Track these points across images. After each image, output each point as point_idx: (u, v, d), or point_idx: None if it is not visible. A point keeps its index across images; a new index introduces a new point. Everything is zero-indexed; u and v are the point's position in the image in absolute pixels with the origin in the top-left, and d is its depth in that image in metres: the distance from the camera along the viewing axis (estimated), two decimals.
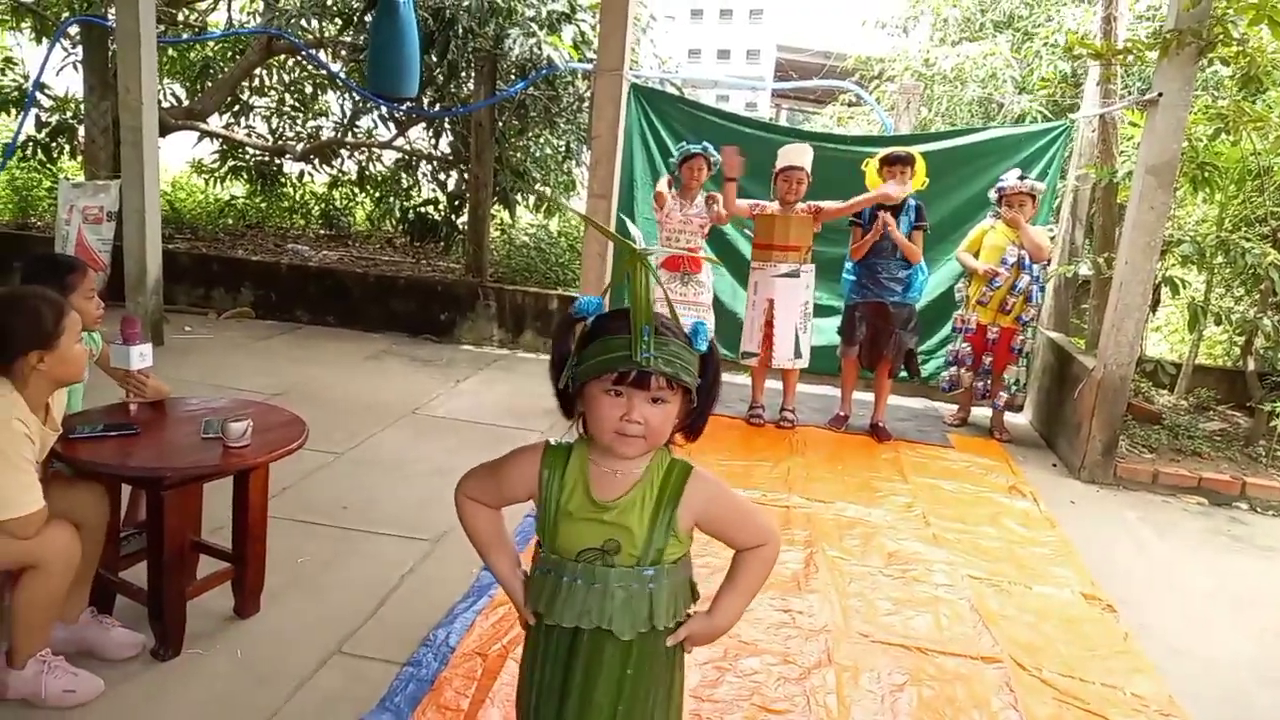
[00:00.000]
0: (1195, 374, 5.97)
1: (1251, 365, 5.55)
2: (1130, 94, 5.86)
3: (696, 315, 5.42)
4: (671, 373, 1.43)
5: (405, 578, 3.17)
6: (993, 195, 5.37)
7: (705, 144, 5.35)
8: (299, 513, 3.58)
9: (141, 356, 2.71)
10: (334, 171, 9.29)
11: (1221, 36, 4.53)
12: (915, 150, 5.36)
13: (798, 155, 5.18)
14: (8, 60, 8.69)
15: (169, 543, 2.47)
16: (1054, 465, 5.24)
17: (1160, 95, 4.61)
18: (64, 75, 8.07)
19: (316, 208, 9.61)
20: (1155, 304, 5.55)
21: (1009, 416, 5.81)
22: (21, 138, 7.80)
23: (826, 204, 5.23)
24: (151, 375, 2.80)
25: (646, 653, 1.56)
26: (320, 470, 4.07)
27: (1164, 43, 4.56)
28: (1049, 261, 5.62)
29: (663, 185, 5.43)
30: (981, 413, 5.82)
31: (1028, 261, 5.17)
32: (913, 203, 5.20)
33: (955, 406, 5.91)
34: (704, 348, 1.51)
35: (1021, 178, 5.23)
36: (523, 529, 3.46)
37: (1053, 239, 5.39)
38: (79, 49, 7.44)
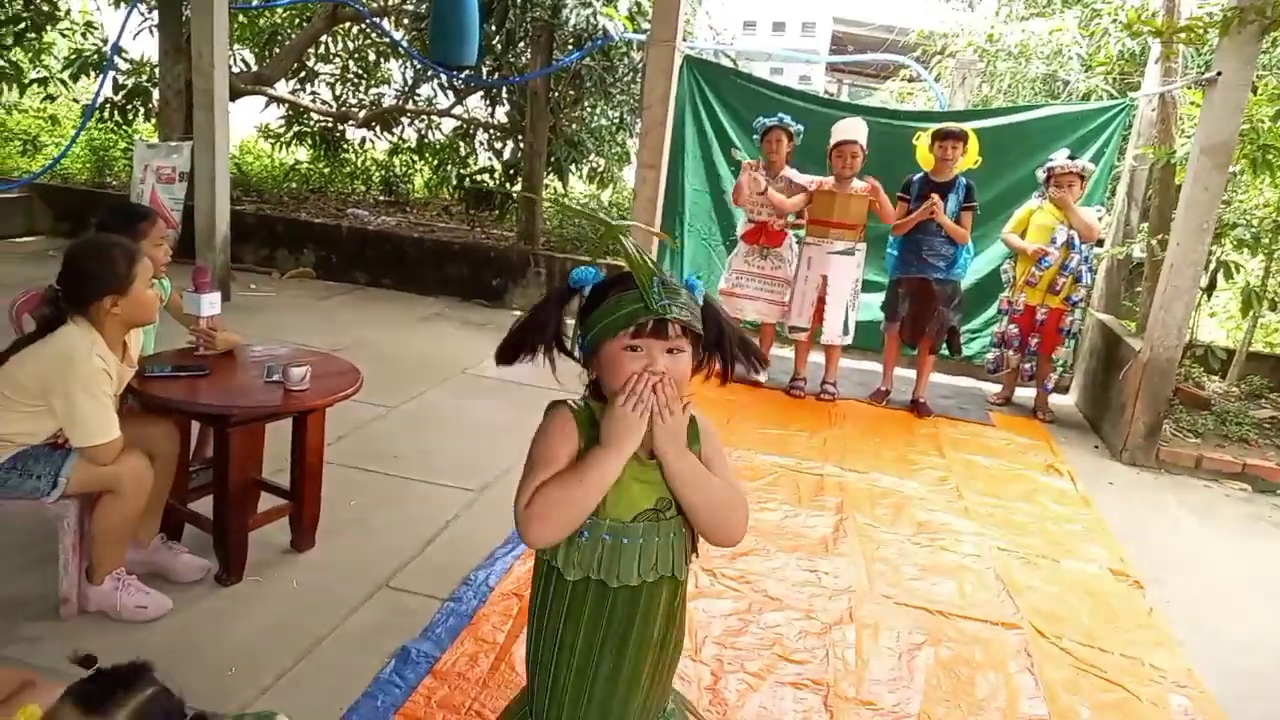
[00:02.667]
0: (1249, 360, 5.86)
1: None
2: (1194, 73, 5.72)
3: (772, 290, 5.50)
4: (688, 318, 1.46)
5: (450, 523, 3.35)
6: (1040, 174, 5.32)
7: (781, 116, 5.38)
8: (353, 460, 3.77)
9: (211, 304, 2.90)
10: (394, 139, 9.51)
11: None
12: (969, 127, 5.35)
13: (851, 130, 5.19)
14: (89, 25, 9.04)
15: (233, 477, 2.67)
16: (1096, 447, 5.22)
17: (1219, 74, 4.53)
18: (140, 40, 8.39)
19: (377, 174, 9.84)
20: (1210, 288, 5.47)
21: (1054, 398, 5.78)
22: (99, 100, 8.14)
23: (885, 198, 5.22)
24: (222, 327, 2.99)
25: (682, 580, 1.63)
26: (374, 422, 4.27)
27: (1225, 21, 4.47)
28: (1099, 242, 5.56)
29: (743, 178, 5.39)
30: (1025, 393, 5.81)
31: (1077, 241, 5.13)
32: (963, 181, 5.18)
33: (999, 386, 5.90)
34: (701, 300, 1.53)
35: (1071, 157, 5.18)
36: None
37: (1101, 219, 5.33)
38: (154, 14, 7.72)
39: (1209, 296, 5.67)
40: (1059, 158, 5.20)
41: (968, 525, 3.87)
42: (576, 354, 1.54)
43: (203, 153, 6.09)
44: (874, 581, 3.27)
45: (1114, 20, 7.87)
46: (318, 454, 2.92)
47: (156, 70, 7.91)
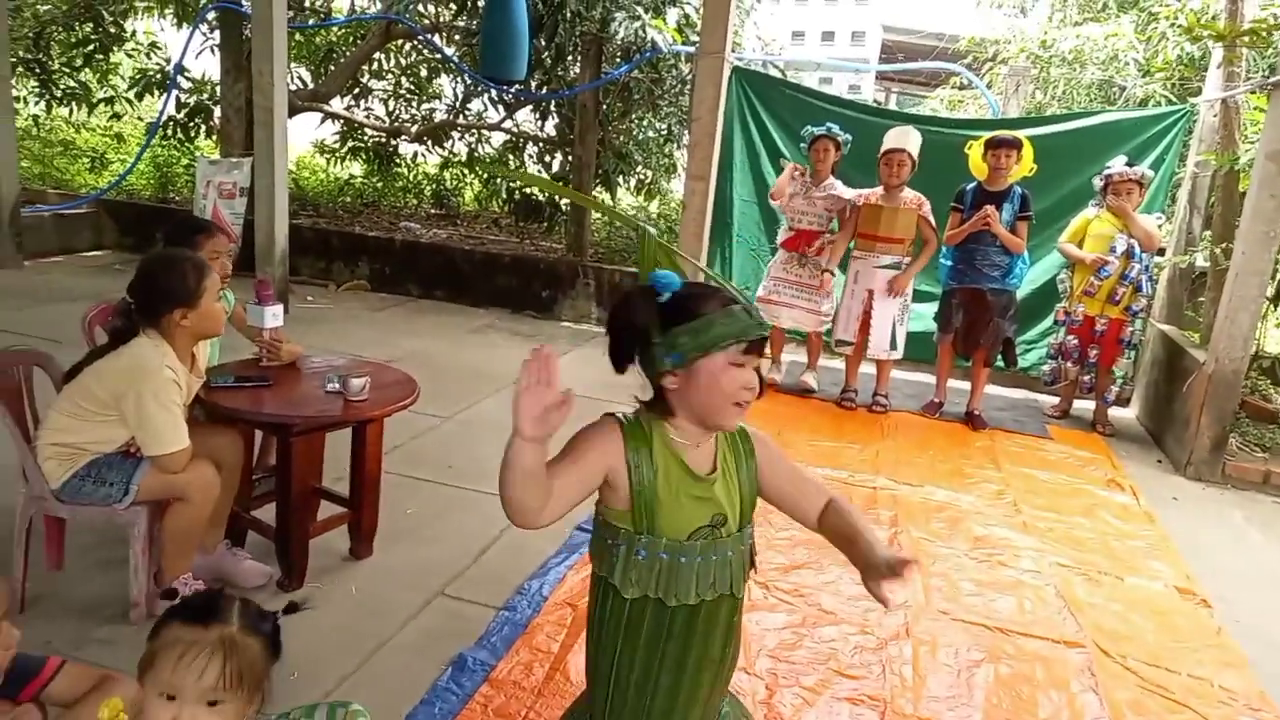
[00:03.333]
0: None
1: None
2: (1258, 77, 5.58)
3: (810, 299, 5.47)
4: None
5: (504, 532, 3.37)
6: (1097, 183, 5.21)
7: (830, 125, 5.37)
8: (408, 469, 3.83)
9: (274, 316, 2.97)
10: (445, 153, 9.65)
11: None
12: (1023, 134, 5.27)
13: (900, 138, 5.14)
14: (153, 45, 9.35)
15: (295, 486, 2.73)
16: (1159, 461, 5.09)
17: None
18: (202, 59, 8.66)
19: (428, 187, 10.01)
20: (1277, 297, 5.31)
21: (1114, 411, 5.65)
22: (163, 118, 8.41)
23: (929, 218, 5.19)
24: (285, 339, 3.06)
25: (741, 597, 1.65)
26: (428, 432, 4.33)
27: None
28: (1160, 250, 5.43)
29: (784, 176, 5.45)
30: (1083, 405, 5.68)
31: (1137, 250, 5.02)
32: (1018, 191, 5.10)
33: (1055, 398, 5.78)
34: None
35: (1129, 164, 5.07)
36: (572, 541, 3.34)
37: (1161, 227, 5.20)
38: (216, 34, 7.96)
39: (1276, 306, 5.49)
40: (1116, 165, 5.09)
41: (1026, 540, 3.79)
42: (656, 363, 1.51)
43: (262, 168, 6.25)
44: (930, 596, 3.22)
45: (1172, 24, 7.69)
46: (376, 463, 2.97)
47: (218, 88, 8.15)
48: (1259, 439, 5.13)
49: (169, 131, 8.61)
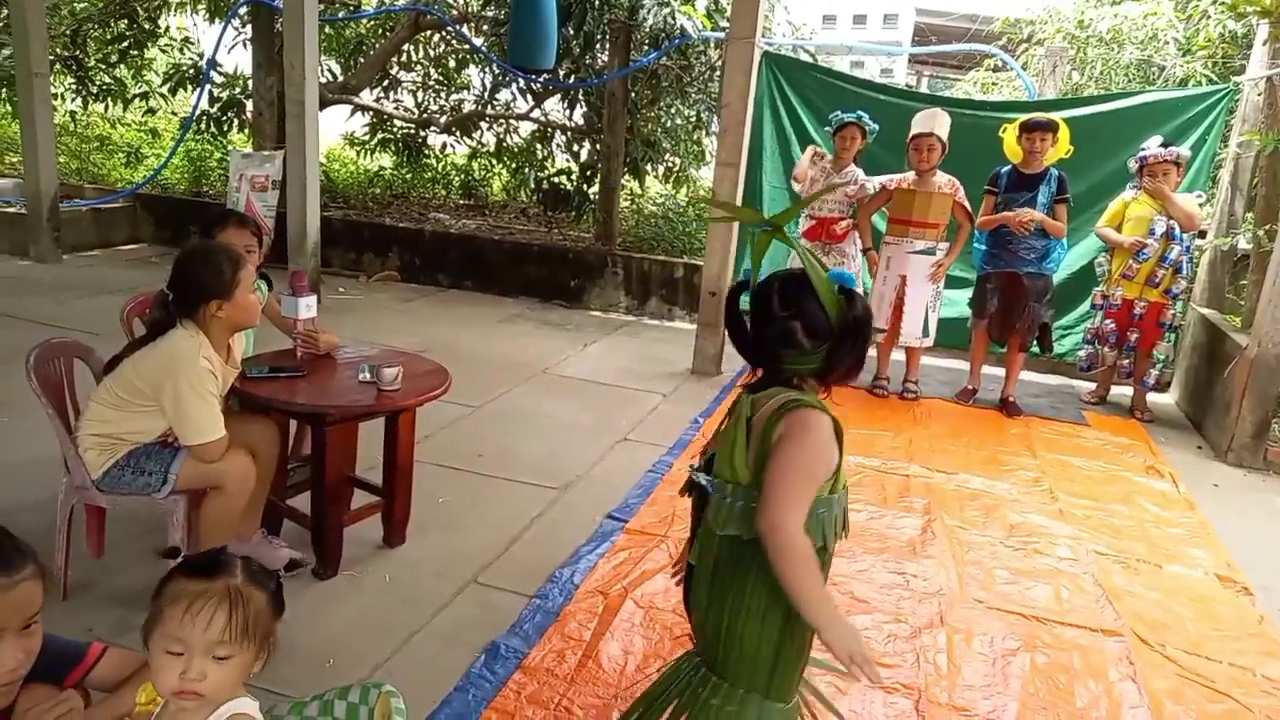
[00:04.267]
0: None
1: None
2: None
3: None
4: None
5: (535, 521, 3.39)
6: (1133, 165, 5.10)
7: (860, 113, 5.31)
8: (440, 458, 3.86)
9: (308, 307, 3.00)
10: (473, 144, 9.68)
11: None
12: (1059, 116, 5.17)
13: (928, 121, 5.06)
14: (186, 41, 9.47)
15: (329, 475, 2.76)
16: (1199, 448, 4.99)
17: None
18: (234, 54, 8.74)
19: (457, 178, 10.04)
20: None
21: (1153, 396, 5.55)
22: (197, 112, 8.51)
23: (964, 203, 5.12)
24: (321, 329, 3.09)
25: None
26: (459, 421, 4.36)
27: None
28: (1201, 232, 5.31)
29: (805, 159, 5.44)
30: (1121, 391, 5.59)
31: (1177, 231, 4.91)
32: (1054, 173, 5.00)
33: (1092, 384, 5.69)
34: None
35: (1165, 145, 4.95)
36: (603, 529, 3.36)
37: (1202, 206, 5.07)
38: (248, 28, 8.03)
39: None
40: (1151, 145, 4.98)
41: (1063, 528, 3.74)
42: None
43: (294, 161, 6.30)
44: (965, 585, 3.18)
45: (1215, 1, 7.50)
46: (409, 452, 2.99)
47: (249, 83, 8.23)
48: None
49: (202, 126, 8.72)
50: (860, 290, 1.88)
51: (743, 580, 1.68)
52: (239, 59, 8.85)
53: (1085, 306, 5.76)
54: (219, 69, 8.64)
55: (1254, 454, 4.69)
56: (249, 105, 8.41)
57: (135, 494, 2.51)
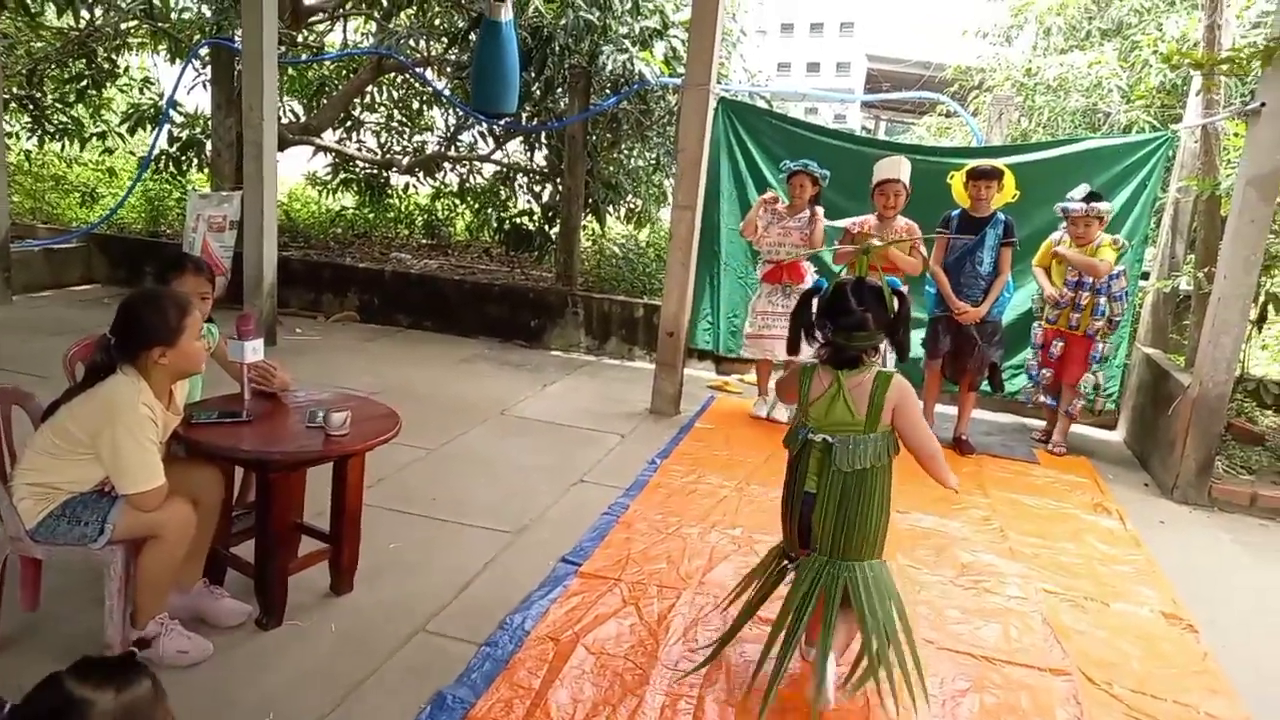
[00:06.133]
0: None
1: None
2: (1237, 104, 5.65)
3: None
4: None
5: (487, 565, 3.36)
6: (1058, 211, 5.26)
7: (806, 161, 5.43)
8: (392, 502, 3.82)
9: (254, 351, 2.97)
10: (436, 184, 9.72)
11: None
12: (1006, 163, 5.32)
13: (894, 168, 5.18)
14: (145, 80, 9.44)
15: (274, 522, 2.72)
16: (1145, 485, 5.09)
17: (1264, 105, 4.47)
18: (194, 94, 8.73)
19: (419, 218, 10.06)
20: (1261, 321, 5.34)
21: (1100, 434, 5.67)
22: (155, 152, 8.46)
23: (921, 248, 5.23)
24: (281, 368, 3.07)
25: None
26: (414, 464, 4.33)
27: (1267, 51, 4.42)
28: (1144, 275, 5.47)
29: (753, 211, 5.55)
30: (1074, 431, 5.70)
31: (1087, 281, 5.09)
32: (1001, 218, 5.14)
33: (1044, 422, 5.80)
34: None
35: (1091, 195, 5.10)
36: (556, 573, 3.38)
37: (1120, 247, 5.23)
38: (208, 69, 8.03)
39: (1259, 330, 5.52)
40: (1076, 195, 5.13)
41: (1013, 567, 3.78)
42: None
43: (251, 202, 6.29)
44: (916, 625, 3.19)
45: (1154, 52, 7.81)
46: (357, 498, 2.96)
47: (209, 123, 8.21)
48: (1245, 461, 5.13)
49: (160, 165, 8.66)
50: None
51: (870, 490, 2.56)
52: (199, 99, 8.83)
53: None
54: (179, 109, 8.62)
55: (1198, 491, 4.79)
56: (208, 145, 8.38)
57: (71, 544, 2.46)
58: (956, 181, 5.25)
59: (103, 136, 9.43)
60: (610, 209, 8.69)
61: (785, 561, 2.79)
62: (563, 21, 7.21)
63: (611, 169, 8.41)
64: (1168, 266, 5.94)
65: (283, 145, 8.21)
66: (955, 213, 5.25)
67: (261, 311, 6.30)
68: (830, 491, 2.55)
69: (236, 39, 7.32)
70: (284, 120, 9.12)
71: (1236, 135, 5.41)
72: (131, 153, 10.31)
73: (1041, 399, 5.54)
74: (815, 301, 2.66)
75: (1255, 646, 3.32)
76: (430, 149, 9.71)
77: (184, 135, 8.69)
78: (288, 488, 2.80)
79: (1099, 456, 5.49)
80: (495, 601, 3.07)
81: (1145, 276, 6.04)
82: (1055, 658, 3.06)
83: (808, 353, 2.74)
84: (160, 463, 2.44)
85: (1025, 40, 10.77)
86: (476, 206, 9.72)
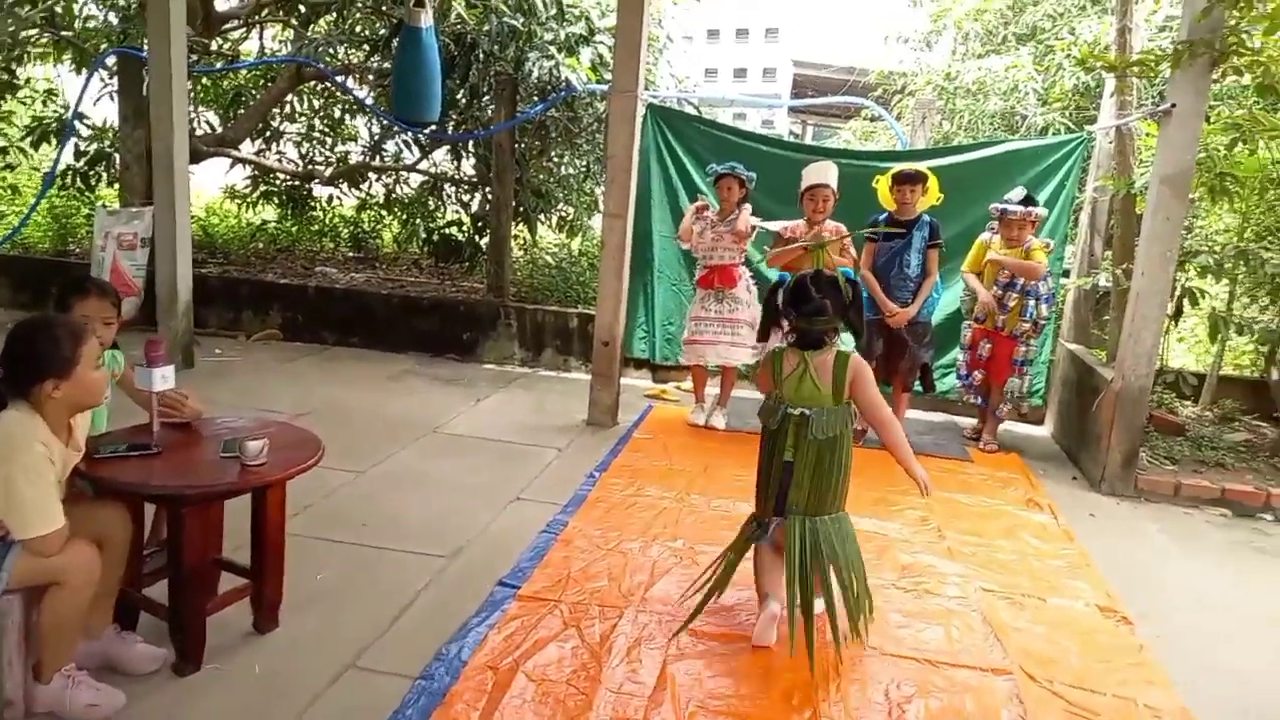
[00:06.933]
0: (1220, 385, 5.90)
1: (1276, 375, 5.48)
2: (1148, 105, 5.83)
3: (732, 333, 5.48)
4: None
5: (421, 593, 3.24)
6: (993, 212, 5.36)
7: (734, 164, 5.43)
8: (320, 530, 3.66)
9: (164, 378, 2.80)
10: (362, 195, 9.48)
11: (1235, 47, 4.51)
12: (929, 166, 5.39)
13: (822, 174, 5.21)
14: (49, 92, 8.99)
15: (188, 560, 2.56)
16: (1074, 478, 5.20)
17: (1174, 106, 4.60)
18: (101, 105, 8.33)
19: (345, 230, 9.80)
20: (1178, 315, 5.51)
21: (1027, 429, 5.78)
22: (61, 166, 8.06)
23: (850, 248, 5.26)
24: (180, 395, 2.90)
25: None
26: (342, 488, 4.17)
27: (1176, 54, 4.55)
28: (1065, 271, 5.60)
29: (687, 218, 5.53)
30: (1004, 427, 5.80)
31: (1018, 282, 5.19)
32: (927, 220, 5.22)
33: (975, 420, 5.90)
34: None
35: (1027, 198, 5.21)
36: (494, 598, 3.46)
37: (1049, 249, 5.36)
38: (115, 79, 7.68)
39: (1176, 323, 5.70)
40: (1014, 197, 5.23)
41: (952, 566, 3.81)
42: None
43: (163, 217, 6.02)
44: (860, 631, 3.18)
45: (1068, 56, 8.04)
46: (279, 530, 2.81)
47: (118, 135, 7.85)
48: (1168, 452, 5.29)
49: (67, 181, 8.25)
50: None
51: (839, 454, 2.99)
52: (107, 111, 8.43)
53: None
54: (85, 121, 8.23)
55: (1125, 483, 4.91)
56: (118, 159, 8.01)
57: None
58: (882, 185, 5.30)
59: (4, 152, 8.95)
60: (541, 218, 8.59)
61: (758, 528, 3.11)
62: (486, 28, 7.09)
63: (541, 177, 8.30)
64: (1087, 264, 6.10)
65: (197, 158, 7.90)
66: (882, 216, 5.30)
67: (176, 333, 6.03)
68: (807, 458, 2.95)
69: (145, 48, 7.01)
70: (198, 131, 8.79)
71: (1149, 135, 5.57)
72: (35, 168, 9.81)
73: (971, 399, 5.63)
74: (781, 293, 3.05)
75: (1187, 635, 3.39)
76: (354, 159, 9.46)
77: (91, 149, 8.28)
78: (203, 522, 2.64)
79: (1029, 452, 5.60)
80: (430, 631, 2.95)
81: (1066, 274, 6.20)
82: (996, 657, 3.08)
83: (774, 343, 3.14)
84: (59, 504, 2.27)
85: (945, 45, 11.02)
86: (404, 217, 9.51)
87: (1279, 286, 5.05)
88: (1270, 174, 5.14)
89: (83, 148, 8.26)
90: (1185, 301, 5.31)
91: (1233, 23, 4.47)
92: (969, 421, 6.00)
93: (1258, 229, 5.27)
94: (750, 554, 3.19)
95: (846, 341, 3.20)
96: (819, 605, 2.98)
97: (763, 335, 3.21)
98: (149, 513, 2.86)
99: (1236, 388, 6.12)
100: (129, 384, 2.95)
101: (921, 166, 5.36)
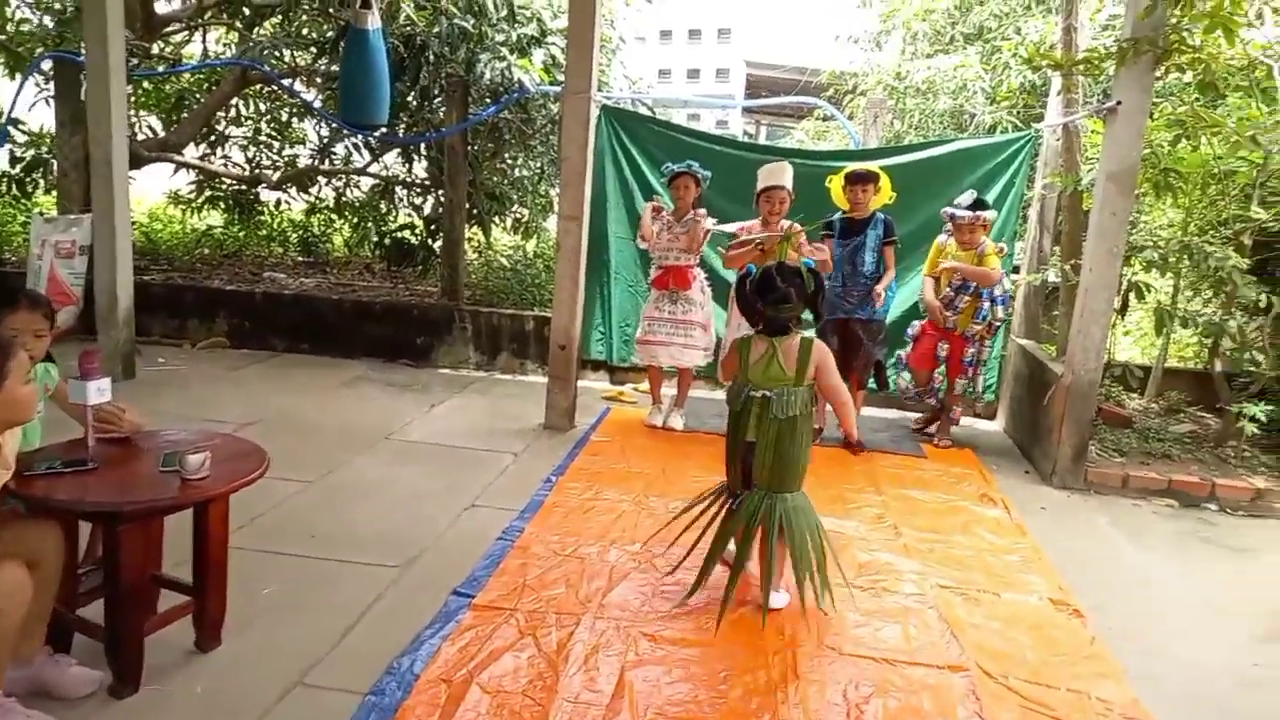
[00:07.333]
0: (1165, 377, 6.02)
1: (1219, 367, 5.60)
2: (1093, 103, 5.93)
3: (685, 334, 5.47)
4: None
5: (372, 605, 3.16)
6: (944, 216, 5.41)
7: (690, 162, 5.42)
8: (267, 543, 3.57)
9: (100, 391, 2.69)
10: (311, 199, 9.31)
11: (1177, 45, 4.60)
12: (881, 165, 5.43)
13: (778, 174, 5.21)
14: None
15: (125, 578, 2.47)
16: (1026, 472, 5.27)
17: (1119, 104, 4.68)
18: (37, 110, 8.08)
19: (294, 235, 9.62)
20: (1124, 308, 5.61)
21: (981, 423, 5.84)
22: None
23: (819, 247, 5.25)
24: (126, 408, 2.80)
25: None
26: (291, 499, 4.06)
27: (1120, 52, 4.63)
28: (1015, 267, 5.67)
29: (646, 217, 5.49)
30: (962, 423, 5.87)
31: (970, 285, 5.25)
32: (881, 218, 5.25)
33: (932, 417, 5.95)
34: None
35: (977, 202, 5.26)
36: (448, 608, 3.42)
37: (1002, 253, 5.43)
38: (52, 84, 7.44)
39: (1123, 317, 5.81)
40: (963, 201, 5.28)
41: (908, 564, 3.82)
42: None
43: (102, 225, 5.84)
44: (816, 631, 3.18)
45: (1014, 55, 8.17)
46: (221, 545, 2.72)
47: (55, 141, 7.61)
48: (1116, 444, 5.38)
49: (2, 188, 8.00)
50: None
51: (798, 433, 3.20)
52: (44, 116, 8.17)
53: None
54: (20, 127, 7.97)
55: (1075, 476, 4.98)
56: (55, 165, 7.77)
57: None
58: (835, 184, 5.33)
59: None
60: (496, 220, 8.51)
61: (731, 499, 3.35)
62: (436, 29, 6.99)
63: (495, 179, 8.22)
64: (1036, 260, 6.18)
65: (139, 163, 7.70)
66: (838, 215, 5.33)
67: (117, 342, 5.85)
68: (768, 437, 3.18)
69: (82, 52, 6.81)
70: (140, 136, 8.57)
71: (1095, 133, 5.67)
72: None
73: (923, 398, 5.65)
74: (748, 284, 3.27)
75: (1137, 626, 3.44)
76: (302, 163, 9.29)
77: (27, 155, 8.04)
78: (140, 540, 2.55)
79: (982, 447, 5.66)
80: (381, 645, 2.88)
81: (1016, 270, 6.28)
82: (953, 654, 3.09)
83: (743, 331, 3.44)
84: None
85: (894, 45, 11.13)
86: (355, 221, 9.36)
87: (1222, 280, 5.15)
88: (1212, 170, 5.25)
89: (18, 154, 8.01)
90: (1131, 296, 5.40)
91: (1174, 21, 4.55)
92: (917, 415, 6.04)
93: (1200, 224, 5.38)
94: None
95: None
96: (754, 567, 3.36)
97: (754, 321, 3.35)
98: (85, 530, 2.76)
99: (1181, 380, 6.25)
100: (63, 398, 2.83)
101: (874, 166, 5.39)
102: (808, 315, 3.37)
